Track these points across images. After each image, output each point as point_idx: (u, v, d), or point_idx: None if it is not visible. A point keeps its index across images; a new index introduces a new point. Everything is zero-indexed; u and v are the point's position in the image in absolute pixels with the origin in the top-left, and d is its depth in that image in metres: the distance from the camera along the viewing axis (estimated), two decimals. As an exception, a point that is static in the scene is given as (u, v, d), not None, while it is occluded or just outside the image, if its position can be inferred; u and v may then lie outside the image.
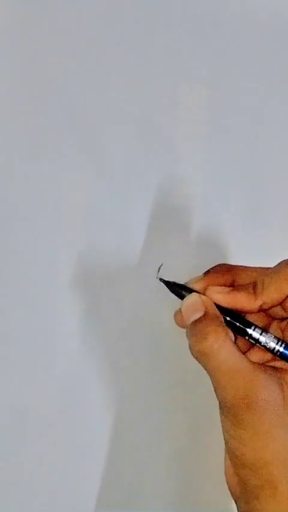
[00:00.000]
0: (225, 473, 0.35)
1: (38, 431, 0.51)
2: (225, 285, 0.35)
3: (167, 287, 0.36)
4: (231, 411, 0.33)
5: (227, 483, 0.35)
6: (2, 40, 0.46)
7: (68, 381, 0.51)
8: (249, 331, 0.35)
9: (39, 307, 0.49)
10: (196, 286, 0.35)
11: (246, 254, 0.53)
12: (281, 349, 0.34)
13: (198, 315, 0.34)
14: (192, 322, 0.34)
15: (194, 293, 0.35)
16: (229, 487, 0.35)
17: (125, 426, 0.53)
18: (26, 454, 0.51)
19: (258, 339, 0.35)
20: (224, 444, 0.35)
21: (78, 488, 0.52)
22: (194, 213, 0.52)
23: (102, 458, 0.53)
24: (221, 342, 0.33)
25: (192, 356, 0.34)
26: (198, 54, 0.51)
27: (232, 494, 0.35)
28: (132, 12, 0.49)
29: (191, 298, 0.35)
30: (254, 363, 0.33)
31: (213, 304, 0.34)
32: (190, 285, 0.36)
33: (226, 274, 0.36)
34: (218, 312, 0.34)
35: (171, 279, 0.36)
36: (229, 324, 0.35)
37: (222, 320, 0.34)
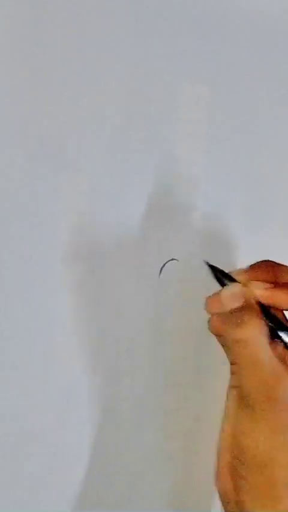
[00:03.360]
0: (217, 471, 0.35)
1: (38, 430, 0.51)
2: (267, 282, 0.35)
3: (211, 272, 0.36)
4: (251, 405, 0.33)
5: (218, 482, 0.35)
6: (2, 40, 0.46)
7: (68, 380, 0.51)
8: (282, 334, 0.34)
9: (39, 308, 0.49)
10: (239, 278, 0.36)
11: (246, 255, 0.53)
12: None
13: (237, 304, 0.34)
14: (231, 309, 0.34)
15: (238, 283, 0.35)
16: (219, 486, 0.35)
17: (125, 425, 0.53)
18: (26, 453, 0.51)
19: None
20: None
21: (78, 488, 0.52)
22: (195, 213, 0.52)
23: (102, 458, 0.53)
24: (257, 334, 0.33)
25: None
26: (199, 54, 0.51)
27: (222, 493, 0.35)
28: (133, 12, 0.49)
29: (234, 287, 0.35)
30: (285, 362, 0.33)
31: (254, 298, 0.35)
32: (233, 275, 0.36)
33: (269, 271, 0.36)
34: (256, 306, 0.34)
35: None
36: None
37: (261, 313, 0.34)
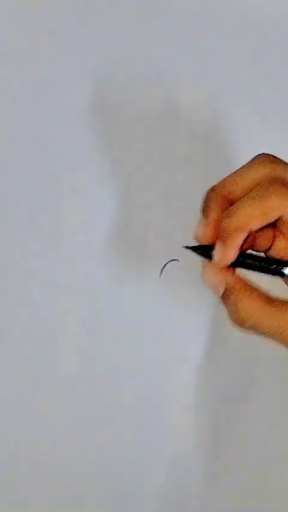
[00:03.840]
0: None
1: (38, 430, 0.51)
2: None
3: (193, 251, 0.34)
4: None
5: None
6: (2, 40, 0.46)
7: (69, 380, 0.51)
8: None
9: (40, 309, 0.49)
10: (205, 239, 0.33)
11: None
12: None
13: (221, 289, 0.32)
14: (222, 296, 0.31)
15: (208, 266, 0.32)
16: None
17: (126, 425, 0.53)
18: (26, 453, 0.51)
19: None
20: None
21: (78, 488, 0.53)
22: (196, 214, 0.52)
23: (102, 457, 0.53)
24: (257, 309, 0.30)
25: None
26: (199, 54, 0.51)
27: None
28: (133, 12, 0.49)
29: (209, 274, 0.32)
30: None
31: (228, 272, 0.32)
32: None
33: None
34: (236, 278, 0.31)
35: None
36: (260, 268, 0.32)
37: (246, 281, 0.31)
